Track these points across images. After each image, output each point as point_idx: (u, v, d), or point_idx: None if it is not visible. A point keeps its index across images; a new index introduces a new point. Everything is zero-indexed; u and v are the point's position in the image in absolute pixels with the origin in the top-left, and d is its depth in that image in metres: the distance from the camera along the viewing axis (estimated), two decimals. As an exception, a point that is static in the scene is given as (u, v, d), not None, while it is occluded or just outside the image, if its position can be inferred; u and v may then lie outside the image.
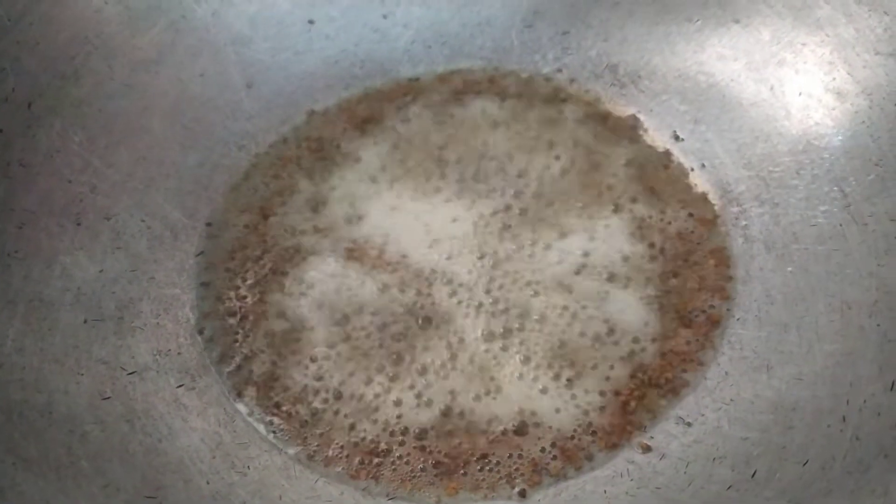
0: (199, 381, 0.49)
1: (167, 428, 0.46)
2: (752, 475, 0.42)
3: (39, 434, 0.42)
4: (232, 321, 0.51)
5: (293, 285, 0.53)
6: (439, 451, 0.46)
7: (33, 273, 0.48)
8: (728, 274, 0.52)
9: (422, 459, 0.46)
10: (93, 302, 0.49)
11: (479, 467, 0.45)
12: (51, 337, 0.47)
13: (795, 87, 0.56)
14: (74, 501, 0.40)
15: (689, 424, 0.46)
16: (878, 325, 0.45)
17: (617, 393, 0.47)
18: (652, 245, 0.53)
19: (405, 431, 0.47)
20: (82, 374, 0.46)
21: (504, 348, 0.49)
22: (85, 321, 0.49)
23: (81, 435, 0.43)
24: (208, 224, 0.56)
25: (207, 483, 0.43)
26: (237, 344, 0.50)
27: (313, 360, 0.50)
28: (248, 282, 0.53)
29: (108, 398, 0.46)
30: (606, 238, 0.54)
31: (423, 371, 0.49)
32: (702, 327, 0.50)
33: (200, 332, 0.51)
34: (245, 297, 0.52)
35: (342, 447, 0.46)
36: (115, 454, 0.43)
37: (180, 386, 0.48)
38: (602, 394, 0.47)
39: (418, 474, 0.45)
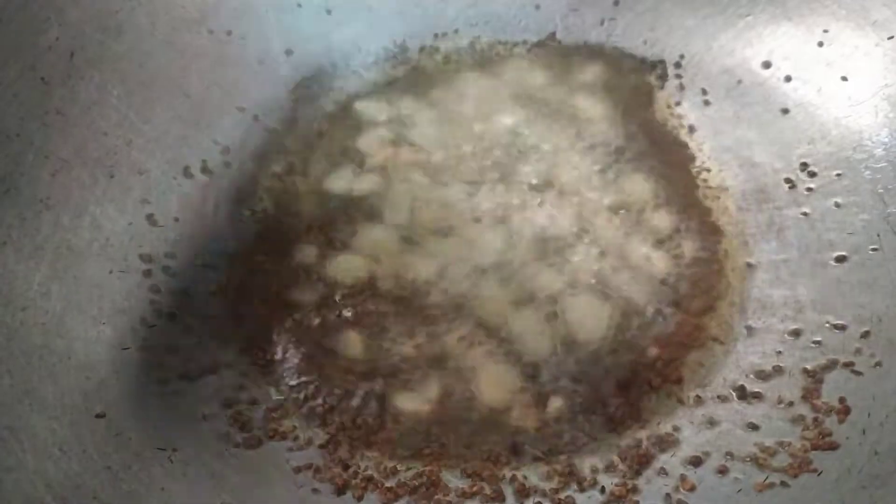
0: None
1: (186, 382, 0.46)
2: (764, 481, 0.41)
3: (57, 378, 0.43)
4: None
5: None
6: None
7: (63, 221, 0.49)
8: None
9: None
10: (119, 254, 0.50)
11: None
12: (75, 285, 0.47)
13: (845, 92, 0.54)
14: (85, 447, 0.41)
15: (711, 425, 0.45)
16: (908, 340, 0.44)
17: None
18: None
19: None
20: (104, 324, 0.47)
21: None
22: (110, 272, 0.49)
23: (98, 382, 0.44)
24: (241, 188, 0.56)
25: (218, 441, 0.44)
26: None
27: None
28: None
29: (128, 349, 0.47)
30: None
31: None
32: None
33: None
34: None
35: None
36: (129, 405, 0.44)
37: (199, 341, 0.48)
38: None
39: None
